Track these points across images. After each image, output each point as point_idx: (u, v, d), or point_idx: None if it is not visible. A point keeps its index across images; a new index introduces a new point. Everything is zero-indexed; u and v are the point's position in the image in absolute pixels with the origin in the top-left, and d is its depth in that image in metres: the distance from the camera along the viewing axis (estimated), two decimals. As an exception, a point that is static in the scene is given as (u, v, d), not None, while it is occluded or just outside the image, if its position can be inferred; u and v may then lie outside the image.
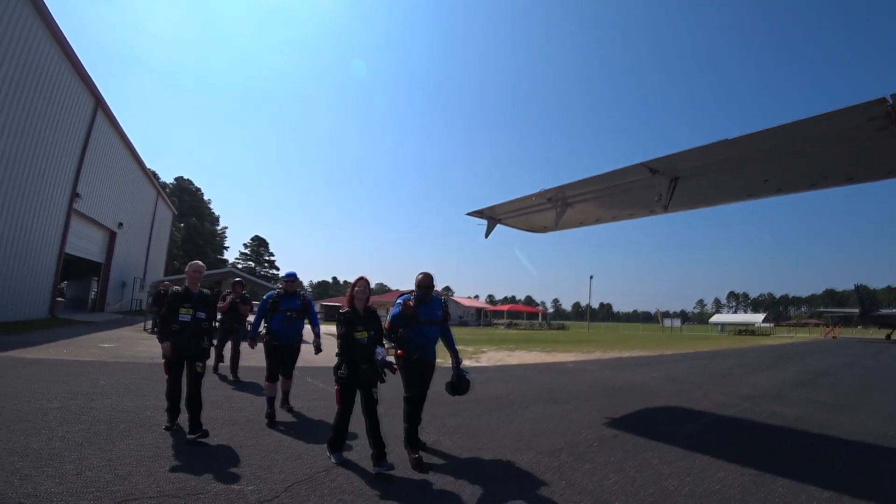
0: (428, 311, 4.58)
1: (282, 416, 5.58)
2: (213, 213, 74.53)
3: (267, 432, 4.94)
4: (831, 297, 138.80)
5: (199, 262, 4.99)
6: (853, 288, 44.69)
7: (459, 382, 4.72)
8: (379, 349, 4.05)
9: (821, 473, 4.34)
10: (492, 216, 8.23)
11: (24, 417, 4.63)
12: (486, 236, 8.42)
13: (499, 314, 68.28)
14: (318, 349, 5.71)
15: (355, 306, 4.21)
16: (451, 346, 4.87)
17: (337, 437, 4.11)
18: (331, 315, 34.81)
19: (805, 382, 11.08)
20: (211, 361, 5.28)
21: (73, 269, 24.58)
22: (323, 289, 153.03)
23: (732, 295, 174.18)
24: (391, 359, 4.25)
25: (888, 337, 38.27)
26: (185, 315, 4.52)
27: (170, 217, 40.05)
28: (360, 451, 4.33)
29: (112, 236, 24.32)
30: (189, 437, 4.30)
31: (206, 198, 72.47)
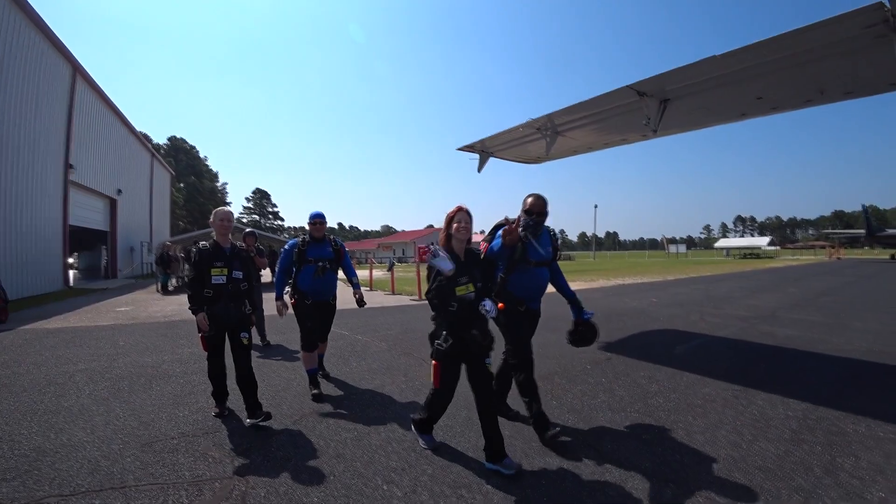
0: (537, 248, 3.57)
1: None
2: (211, 169, 74.10)
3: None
4: (840, 218, 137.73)
5: (227, 209, 3.91)
6: (861, 208, 44.14)
7: (588, 331, 3.78)
8: (488, 304, 2.98)
9: (801, 388, 4.59)
10: (483, 149, 8.14)
11: (54, 381, 4.96)
12: (479, 170, 8.39)
13: None
14: (361, 302, 4.80)
15: (454, 248, 3.13)
16: (566, 288, 3.87)
17: (430, 420, 3.33)
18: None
19: (801, 304, 11.35)
20: None
21: (81, 239, 24.93)
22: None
23: (739, 219, 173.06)
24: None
25: (892, 257, 38.28)
26: (218, 276, 3.67)
27: (168, 178, 39.77)
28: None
29: (113, 203, 24.39)
30: (248, 422, 3.65)
31: (201, 155, 71.71)
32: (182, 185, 63.58)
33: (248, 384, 3.70)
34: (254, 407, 3.66)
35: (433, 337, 3.09)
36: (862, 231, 42.87)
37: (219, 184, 76.18)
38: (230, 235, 3.91)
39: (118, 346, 6.75)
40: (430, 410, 3.26)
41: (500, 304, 3.17)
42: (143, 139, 31.82)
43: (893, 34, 3.81)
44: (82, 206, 20.66)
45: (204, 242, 3.79)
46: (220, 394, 3.96)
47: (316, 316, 4.57)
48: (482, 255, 3.41)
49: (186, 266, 19.10)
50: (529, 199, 3.55)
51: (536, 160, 8.98)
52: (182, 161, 64.72)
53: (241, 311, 3.81)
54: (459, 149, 8.15)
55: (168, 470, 2.92)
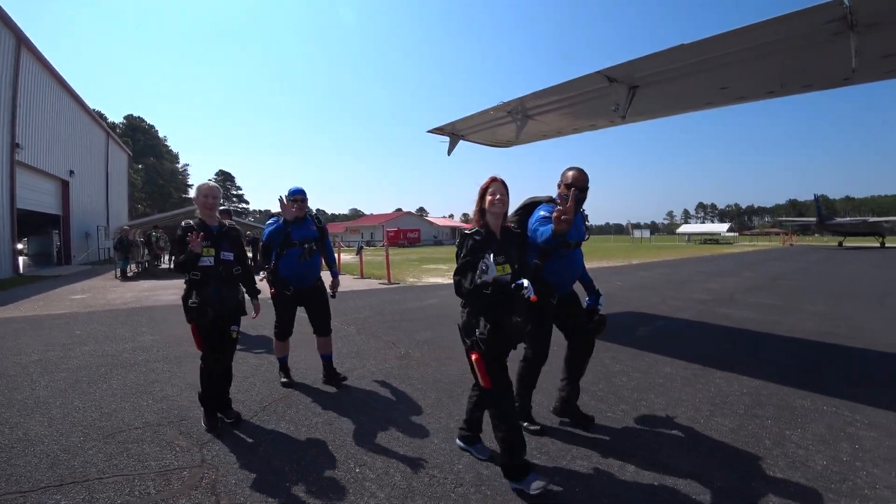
0: (578, 227, 3.20)
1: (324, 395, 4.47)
2: (172, 150, 71.00)
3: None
4: (794, 206, 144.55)
5: (211, 184, 3.45)
6: (813, 198, 46.52)
7: (599, 323, 3.43)
8: (525, 283, 2.51)
9: (755, 366, 4.86)
10: (454, 132, 8.12)
11: (5, 372, 4.71)
12: (449, 153, 8.39)
13: None
14: (335, 292, 4.45)
15: (489, 225, 2.70)
16: (585, 272, 3.51)
17: (478, 422, 2.98)
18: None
19: (756, 287, 11.94)
20: None
21: (30, 224, 23.49)
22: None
23: (701, 206, 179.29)
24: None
25: (839, 244, 40.67)
26: (205, 258, 3.27)
27: (125, 159, 37.83)
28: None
29: (65, 186, 23.05)
30: (227, 420, 3.44)
31: (161, 135, 68.48)
32: (140, 166, 60.64)
33: (225, 381, 3.49)
34: (225, 405, 3.49)
35: (469, 327, 2.60)
36: (813, 219, 45.12)
37: (180, 165, 73.18)
38: (216, 213, 3.50)
39: (74, 335, 6.46)
40: (499, 423, 2.57)
41: (532, 298, 2.51)
42: (97, 117, 30.06)
43: (850, 31, 3.97)
44: (31, 188, 19.44)
45: (189, 221, 3.35)
46: (213, 401, 3.40)
47: (293, 307, 4.21)
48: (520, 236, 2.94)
49: (146, 251, 18.47)
50: (571, 173, 3.14)
51: (507, 144, 9.02)
52: (140, 141, 61.59)
53: (236, 297, 3.42)
54: (430, 131, 8.10)
55: (133, 461, 2.84)
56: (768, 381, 4.39)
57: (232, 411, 3.49)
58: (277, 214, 4.01)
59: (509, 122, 7.38)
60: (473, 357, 2.57)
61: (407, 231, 54.80)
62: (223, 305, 3.29)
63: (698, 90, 5.97)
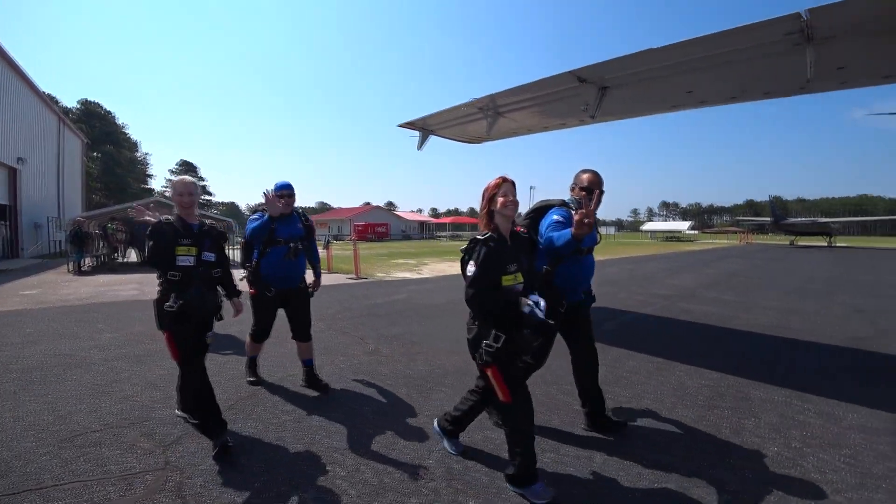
0: (590, 234, 2.92)
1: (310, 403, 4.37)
2: (131, 138, 67.44)
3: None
4: (751, 206, 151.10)
5: (187, 179, 3.18)
6: (768, 199, 48.98)
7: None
8: (533, 297, 2.42)
9: (714, 359, 5.09)
10: (424, 127, 8.16)
11: (-55, 371, 4.41)
12: (419, 148, 8.42)
13: (442, 226, 70.39)
14: (314, 292, 4.24)
15: (499, 227, 2.53)
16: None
17: (530, 463, 2.49)
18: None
19: (716, 283, 12.46)
20: None
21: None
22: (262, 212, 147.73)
23: (664, 204, 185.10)
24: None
25: (791, 243, 42.93)
26: (185, 257, 2.96)
27: (79, 146, 35.80)
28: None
29: (13, 174, 21.69)
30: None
31: (120, 122, 65.10)
32: (97, 154, 57.53)
33: (209, 391, 3.14)
34: (222, 422, 3.10)
35: (479, 339, 2.43)
36: (769, 219, 47.37)
37: (139, 154, 69.72)
38: (195, 210, 3.19)
39: (25, 333, 6.10)
40: (522, 444, 2.45)
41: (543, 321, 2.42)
42: (49, 101, 28.37)
43: (807, 43, 4.20)
44: (-26, 175, 18.24)
45: (167, 216, 3.05)
46: (208, 422, 2.98)
47: (275, 309, 3.96)
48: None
49: (102, 244, 17.60)
50: (587, 176, 3.06)
51: (477, 140, 9.10)
52: (97, 128, 58.35)
53: (216, 301, 3.14)
54: (400, 125, 8.09)
55: (92, 465, 2.72)
56: (727, 373, 4.61)
57: (225, 429, 3.04)
58: (262, 209, 3.69)
59: (480, 119, 7.44)
60: (490, 372, 2.43)
61: (375, 225, 54.22)
62: (206, 309, 3.03)
63: (665, 93, 6.17)
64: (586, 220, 2.42)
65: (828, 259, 23.35)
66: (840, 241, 45.25)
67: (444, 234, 63.86)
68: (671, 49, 4.75)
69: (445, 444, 2.98)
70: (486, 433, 3.22)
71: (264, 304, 3.89)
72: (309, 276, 4.21)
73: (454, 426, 2.95)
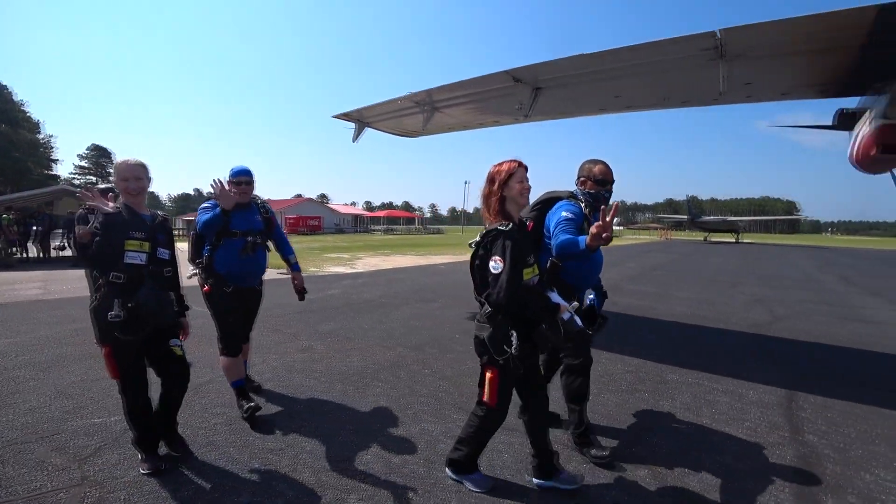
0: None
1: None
2: (32, 118, 59.97)
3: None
4: (670, 205, 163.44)
5: (132, 161, 2.65)
6: (685, 198, 53.49)
7: (600, 326, 2.98)
8: (554, 296, 2.38)
9: (636, 347, 5.52)
10: (360, 119, 8.11)
11: None
12: (355, 140, 8.37)
13: (376, 220, 70.06)
14: (302, 291, 3.80)
15: (511, 216, 2.37)
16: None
17: (475, 454, 2.52)
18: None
19: (638, 276, 13.42)
20: None
21: None
22: (185, 202, 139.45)
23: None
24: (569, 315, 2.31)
25: (705, 239, 47.19)
26: (136, 254, 2.53)
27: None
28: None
29: None
30: (174, 454, 2.78)
31: (18, 98, 57.75)
32: (-12, 134, 50.79)
33: (173, 410, 2.81)
34: (172, 435, 2.82)
35: (496, 340, 2.23)
36: (685, 217, 51.61)
37: (41, 136, 62.14)
38: (145, 199, 2.75)
39: None
40: (478, 439, 2.46)
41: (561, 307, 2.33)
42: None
43: (720, 59, 4.63)
44: None
45: (113, 205, 2.54)
46: (148, 439, 2.68)
47: (239, 308, 3.44)
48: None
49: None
50: (599, 168, 2.87)
51: (413, 134, 9.16)
52: (-12, 104, 51.59)
53: (171, 307, 2.70)
54: (335, 116, 7.97)
55: (-10, 485, 2.44)
56: (647, 359, 5.02)
57: (178, 443, 2.80)
58: (215, 198, 3.19)
59: (417, 113, 7.50)
60: (489, 372, 2.32)
61: (308, 218, 52.43)
62: (160, 315, 2.56)
63: (595, 96, 6.55)
64: (604, 235, 2.27)
65: (735, 254, 25.97)
66: (746, 238, 50.45)
67: (378, 227, 63.79)
68: (602, 55, 5.05)
69: (467, 483, 2.52)
70: (423, 426, 3.28)
71: (224, 300, 3.33)
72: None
73: (469, 452, 2.54)
